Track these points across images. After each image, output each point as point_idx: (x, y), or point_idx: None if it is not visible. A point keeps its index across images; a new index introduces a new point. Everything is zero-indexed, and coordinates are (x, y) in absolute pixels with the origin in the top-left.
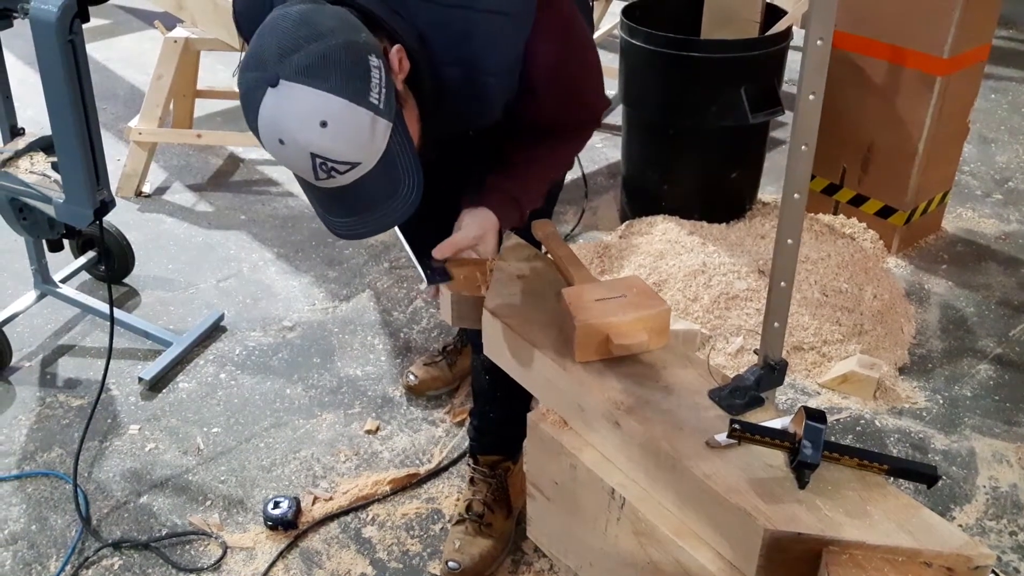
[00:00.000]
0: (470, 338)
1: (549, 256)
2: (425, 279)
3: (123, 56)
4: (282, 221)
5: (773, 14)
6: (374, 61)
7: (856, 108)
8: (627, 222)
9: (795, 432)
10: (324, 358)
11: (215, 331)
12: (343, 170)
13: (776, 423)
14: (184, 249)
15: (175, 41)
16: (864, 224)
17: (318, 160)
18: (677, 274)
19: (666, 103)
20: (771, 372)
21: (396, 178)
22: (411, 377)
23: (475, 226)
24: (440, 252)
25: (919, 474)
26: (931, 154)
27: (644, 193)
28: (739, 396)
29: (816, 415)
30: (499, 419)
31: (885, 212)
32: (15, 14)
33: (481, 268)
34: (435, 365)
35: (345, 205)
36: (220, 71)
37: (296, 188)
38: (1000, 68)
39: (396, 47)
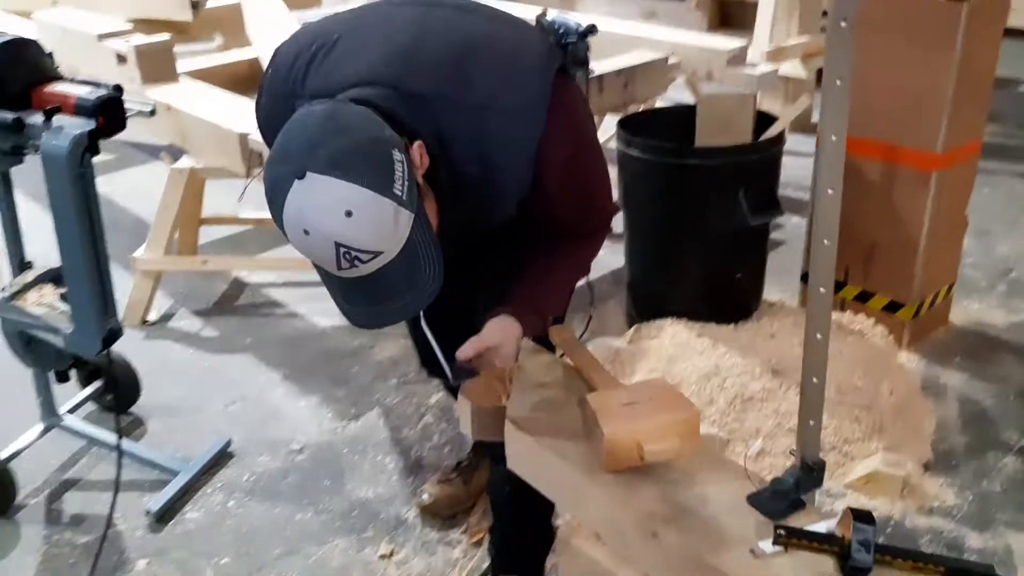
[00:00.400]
0: (488, 450)
1: (568, 361)
2: (451, 375)
3: (127, 189)
4: (288, 342)
5: (764, 121)
6: (397, 155)
7: (855, 208)
8: (635, 326)
9: (843, 535)
10: (334, 480)
11: (222, 457)
12: (366, 259)
13: (820, 526)
14: (190, 375)
15: (180, 172)
16: (872, 320)
17: (342, 249)
18: (690, 377)
19: (666, 209)
20: (810, 473)
21: (417, 267)
22: (425, 496)
23: (497, 331)
24: (463, 353)
25: (976, 574)
26: (933, 248)
27: (650, 297)
28: (780, 500)
29: (864, 516)
30: (521, 535)
31: (892, 307)
32: (26, 150)
33: (501, 377)
34: (449, 483)
35: (366, 295)
36: (222, 197)
37: (302, 309)
38: (992, 162)
39: (417, 143)
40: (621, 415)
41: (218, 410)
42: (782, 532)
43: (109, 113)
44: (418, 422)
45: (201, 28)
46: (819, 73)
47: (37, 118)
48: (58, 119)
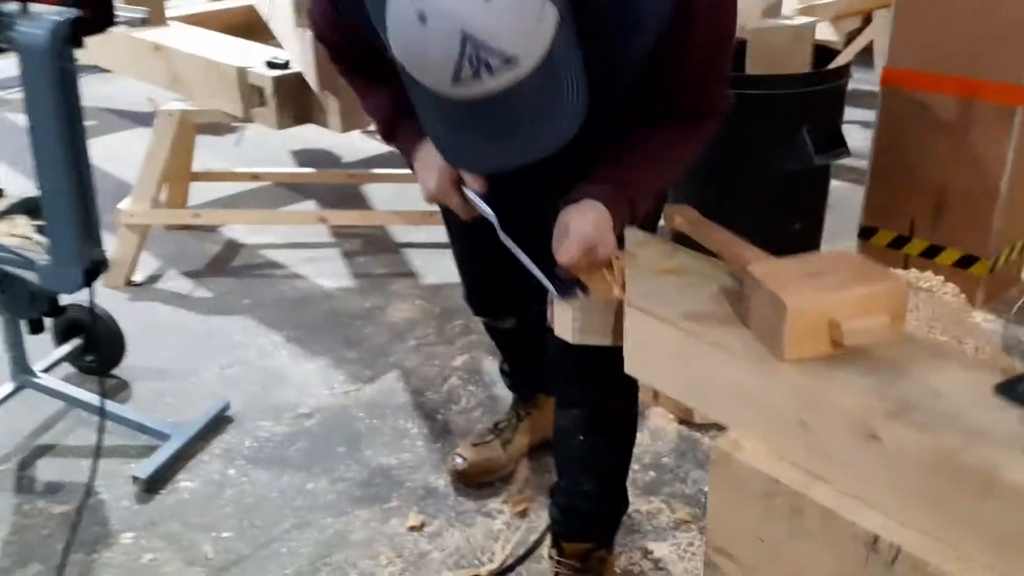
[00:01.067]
0: (558, 385)
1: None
2: (557, 293)
3: (109, 153)
4: (291, 303)
5: (822, 57)
6: None
7: (923, 151)
8: None
9: None
10: (350, 447)
11: (220, 422)
12: (496, 66)
13: None
14: (181, 337)
15: (170, 114)
16: (941, 277)
17: (469, 45)
18: None
19: (721, 145)
20: None
21: (558, 90)
22: (458, 460)
23: (588, 222)
24: (568, 253)
25: None
26: (1015, 193)
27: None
28: None
29: None
30: (594, 493)
31: (965, 262)
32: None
33: (608, 269)
34: (486, 445)
35: (484, 126)
36: (214, 156)
37: (305, 269)
38: None
39: None
40: (804, 286)
41: (214, 373)
42: None
43: (96, 3)
44: (442, 384)
45: None
46: (849, 36)
47: (12, 5)
48: (36, 7)
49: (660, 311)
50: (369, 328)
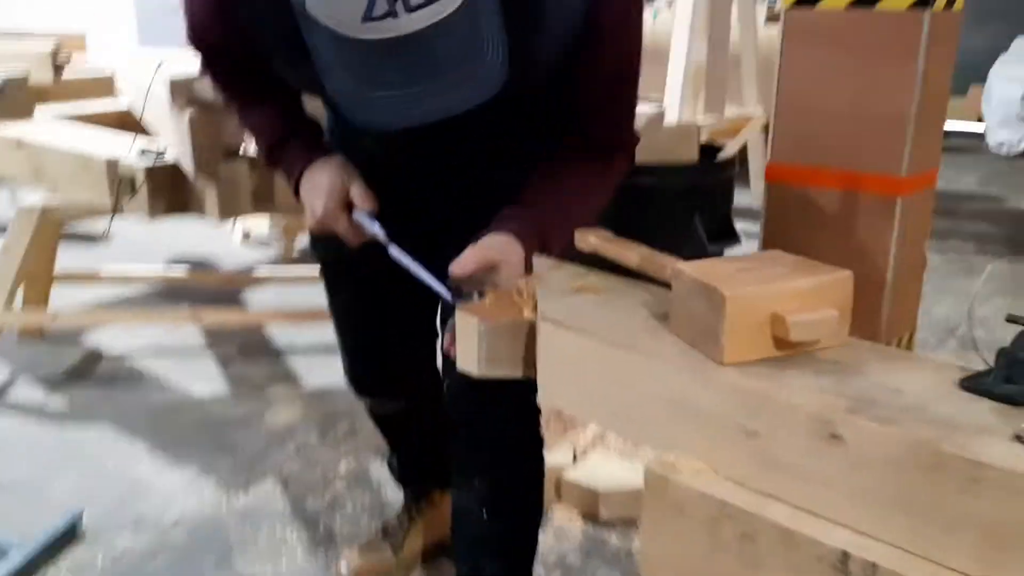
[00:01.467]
0: (458, 453)
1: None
2: (448, 296)
3: None
4: (157, 412)
5: (709, 154)
6: None
7: (810, 243)
8: None
9: None
10: (220, 559)
11: (71, 535)
12: (416, 2)
13: None
14: (31, 450)
15: (30, 211)
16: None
17: None
18: None
19: (617, 234)
20: None
21: (478, 40)
22: (344, 568)
23: (492, 241)
24: (462, 265)
25: None
26: (898, 284)
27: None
28: (1017, 380)
29: None
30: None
31: None
32: None
33: (516, 291)
34: (375, 551)
35: (403, 68)
36: (79, 257)
37: (175, 377)
38: None
39: None
40: (742, 279)
41: (67, 487)
42: None
43: None
44: (325, 490)
45: (63, 96)
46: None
47: None
48: None
49: (578, 325)
50: (244, 434)
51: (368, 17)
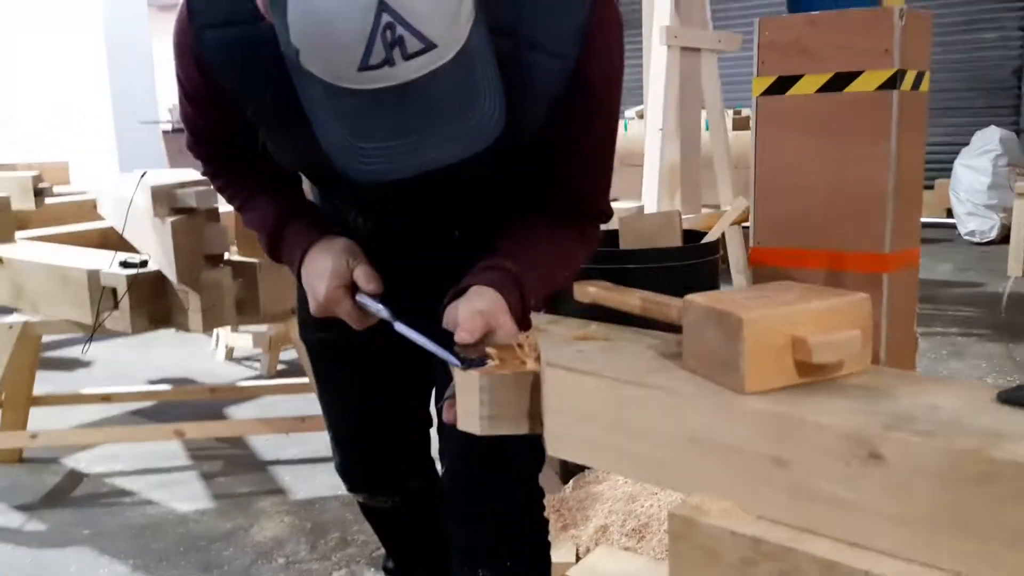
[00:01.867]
0: (457, 540)
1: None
2: (460, 364)
3: None
4: (138, 531)
5: (692, 240)
6: None
7: None
8: (574, 478)
9: None
10: None
11: None
12: (412, 50)
13: None
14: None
15: (9, 327)
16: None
17: (385, 17)
18: (659, 514)
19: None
20: None
21: (474, 88)
22: None
23: (480, 301)
24: (469, 332)
25: None
26: (893, 365)
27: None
28: None
29: None
30: None
31: None
32: None
33: (516, 348)
34: None
35: (397, 118)
36: (60, 383)
37: (157, 495)
38: None
39: None
40: (757, 305)
41: None
42: None
43: None
44: None
45: (44, 221)
46: None
47: None
48: None
49: (587, 368)
50: (230, 550)
51: (364, 66)
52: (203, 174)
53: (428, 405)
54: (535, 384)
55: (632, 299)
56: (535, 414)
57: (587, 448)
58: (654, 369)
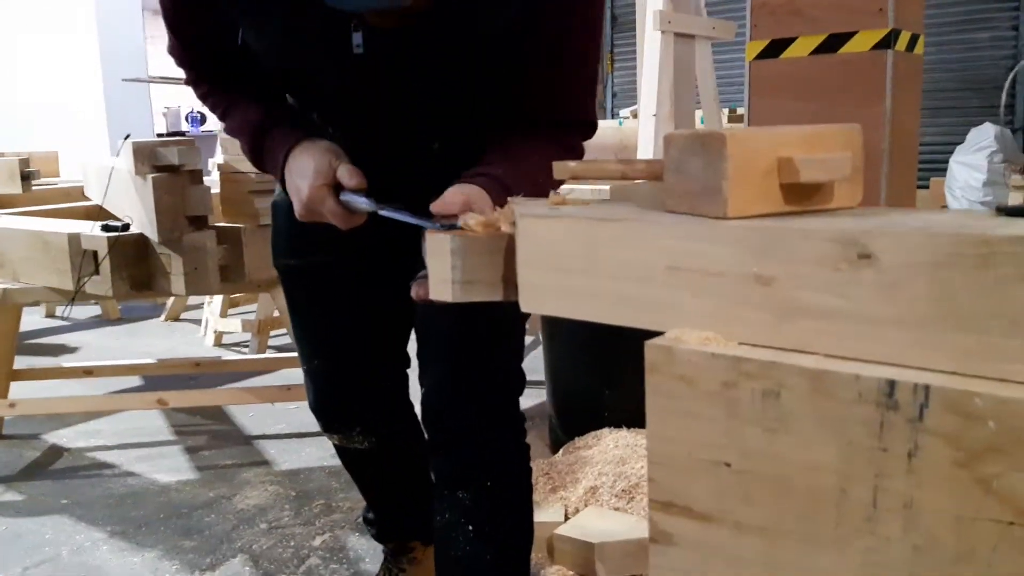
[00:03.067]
0: (437, 461)
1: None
2: (431, 227)
3: None
4: (118, 499)
5: None
6: None
7: None
8: (565, 445)
9: None
10: None
11: None
12: None
13: None
14: None
15: None
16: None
17: None
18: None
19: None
20: None
21: None
22: None
23: (470, 191)
24: (445, 205)
25: None
26: None
27: (582, 407)
28: None
29: None
30: None
31: None
32: None
33: (491, 216)
34: None
35: None
36: (42, 364)
37: (139, 467)
38: None
39: None
40: (742, 130)
41: (14, 574)
42: None
43: None
44: (299, 566)
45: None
46: None
47: None
48: None
49: (564, 214)
50: (212, 517)
51: None
52: (186, 82)
53: (405, 344)
54: (509, 247)
55: (611, 166)
56: (509, 279)
57: (562, 297)
58: (633, 212)
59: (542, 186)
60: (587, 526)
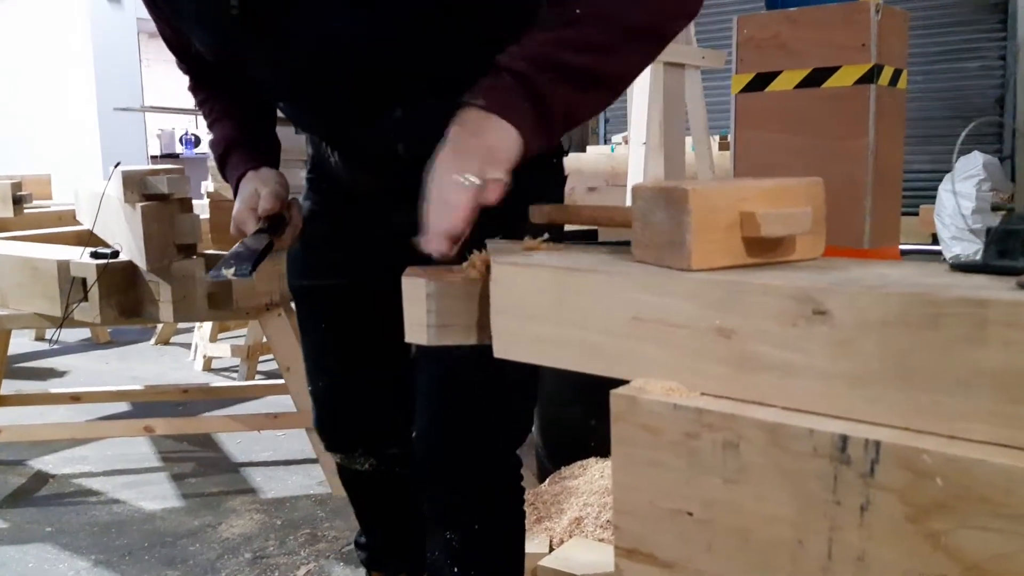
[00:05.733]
0: (427, 500)
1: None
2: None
3: None
4: (102, 528)
5: None
6: None
7: None
8: (551, 475)
9: None
10: None
11: None
12: None
13: None
14: None
15: None
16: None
17: None
18: None
19: None
20: None
21: None
22: None
23: (451, 166)
24: (437, 249)
25: None
26: None
27: (568, 437)
28: (1010, 255)
29: None
30: None
31: None
32: None
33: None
34: None
35: None
36: (31, 389)
37: (125, 494)
38: None
39: None
40: (707, 185)
41: None
42: None
43: None
44: None
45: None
46: None
47: None
48: None
49: (535, 263)
50: (196, 546)
51: None
52: (188, 88)
53: (406, 366)
54: (484, 293)
55: (582, 211)
56: (483, 324)
57: (534, 344)
58: (602, 262)
59: (603, 72)
60: (571, 558)
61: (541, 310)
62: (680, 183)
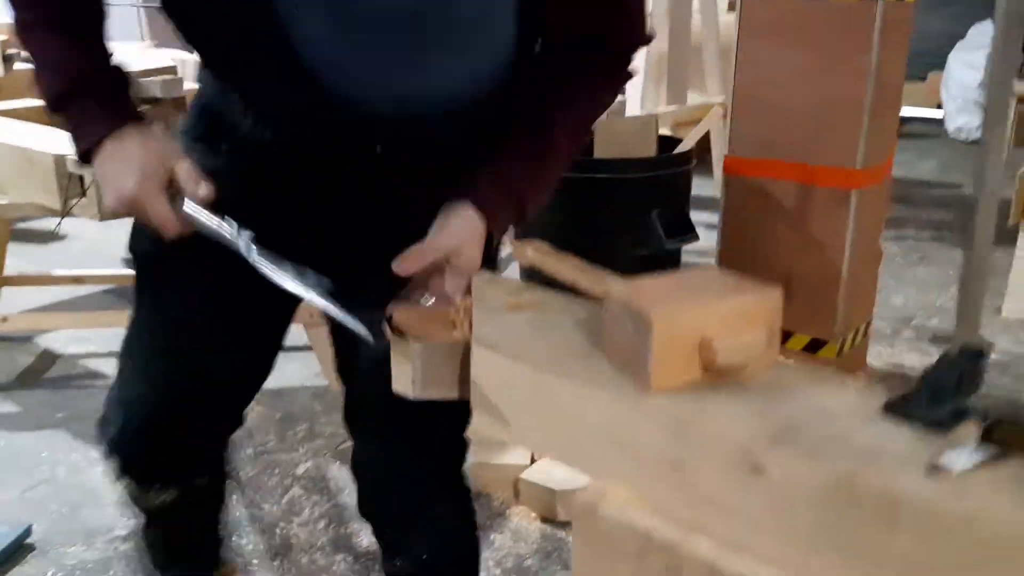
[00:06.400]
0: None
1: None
2: (370, 336)
3: None
4: None
5: (667, 148)
6: None
7: (767, 237)
8: None
9: None
10: None
11: (19, 550)
12: None
13: None
14: None
15: None
16: (792, 361)
17: None
18: None
19: (571, 233)
20: (976, 361)
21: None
22: None
23: (452, 229)
24: (405, 266)
25: None
26: (854, 277)
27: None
28: (941, 402)
29: None
30: None
31: (813, 346)
32: None
33: (452, 311)
34: None
35: (411, 31)
36: (34, 264)
37: None
38: None
39: None
40: (671, 300)
41: (13, 496)
42: (992, 428)
43: None
44: (282, 496)
45: (14, 88)
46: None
47: None
48: None
49: (511, 349)
50: None
51: None
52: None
53: (271, 362)
54: (466, 351)
55: (565, 271)
56: (465, 380)
57: (509, 421)
58: (575, 355)
59: (566, 162)
60: (551, 471)
61: (516, 397)
62: (646, 308)
